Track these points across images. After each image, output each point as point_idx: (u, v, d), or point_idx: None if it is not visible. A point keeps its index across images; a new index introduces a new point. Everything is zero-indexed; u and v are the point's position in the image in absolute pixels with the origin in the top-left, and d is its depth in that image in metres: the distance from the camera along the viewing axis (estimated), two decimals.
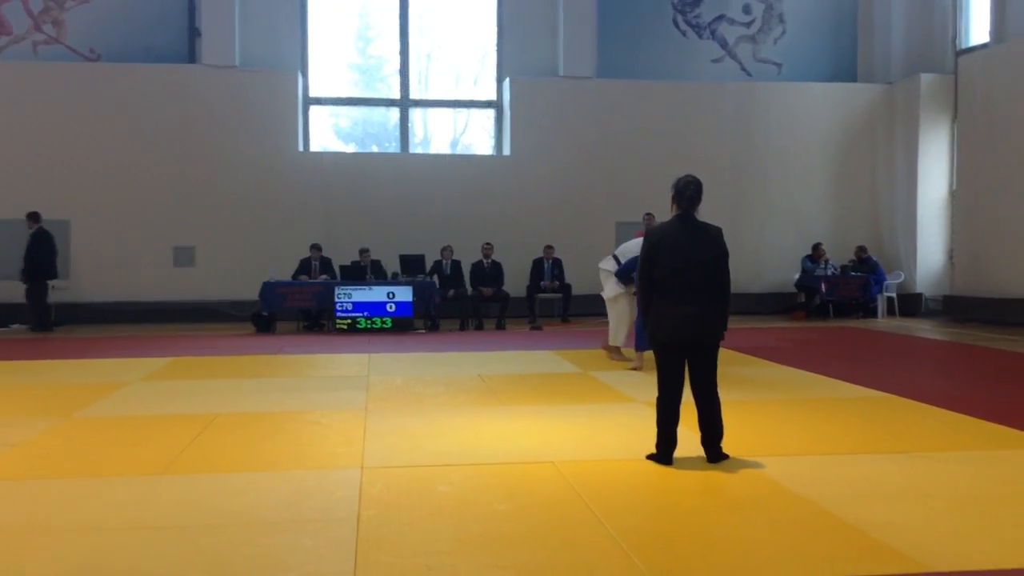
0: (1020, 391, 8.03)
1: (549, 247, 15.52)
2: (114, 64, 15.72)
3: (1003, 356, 10.60)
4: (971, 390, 8.15)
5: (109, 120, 15.61)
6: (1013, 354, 10.72)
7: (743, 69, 17.58)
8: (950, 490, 4.67)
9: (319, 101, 16.86)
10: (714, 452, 5.25)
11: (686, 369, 5.28)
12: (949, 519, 4.19)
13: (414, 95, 17.13)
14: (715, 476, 4.98)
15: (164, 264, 15.82)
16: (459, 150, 17.68)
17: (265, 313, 13.89)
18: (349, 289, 13.57)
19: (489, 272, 14.94)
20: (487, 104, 17.32)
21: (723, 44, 17.54)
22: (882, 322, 15.37)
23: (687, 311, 5.15)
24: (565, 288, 15.41)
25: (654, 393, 5.36)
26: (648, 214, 14.41)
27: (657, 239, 5.28)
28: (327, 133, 17.37)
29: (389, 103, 17.17)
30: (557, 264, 15.49)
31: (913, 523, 4.11)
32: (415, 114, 17.35)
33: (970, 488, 4.71)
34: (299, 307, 14.13)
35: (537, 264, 15.50)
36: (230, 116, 15.91)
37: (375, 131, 17.55)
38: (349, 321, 13.50)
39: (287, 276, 14.48)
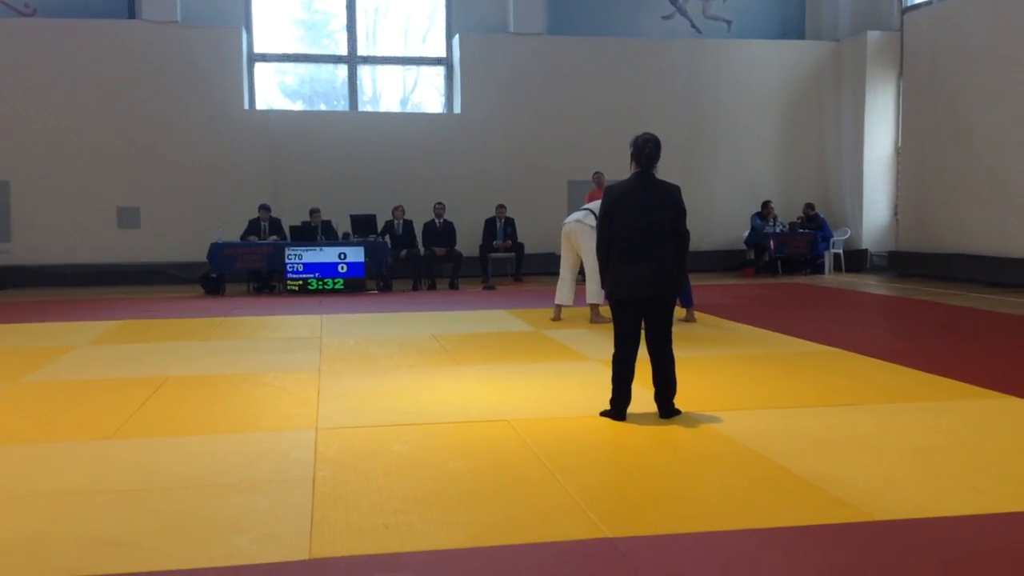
0: (960, 344, 8.26)
1: (501, 206, 15.48)
2: (51, 20, 15.20)
3: (944, 310, 10.87)
4: (914, 344, 8.36)
5: (47, 78, 15.12)
6: (954, 308, 11.00)
7: (693, 26, 17.58)
8: (895, 441, 4.80)
9: (264, 58, 16.51)
10: (667, 408, 5.32)
11: (642, 326, 5.33)
12: (895, 469, 4.30)
13: (362, 52, 16.85)
14: (668, 431, 5.06)
15: (108, 225, 15.47)
16: (409, 108, 17.47)
17: (214, 275, 13.68)
18: (300, 250, 13.42)
19: (441, 232, 14.87)
20: (437, 61, 17.11)
21: (673, 0, 17.50)
22: (829, 278, 15.65)
23: (645, 269, 5.18)
24: (518, 247, 15.42)
25: (607, 351, 5.41)
26: (597, 172, 14.48)
27: (616, 197, 5.29)
28: (273, 91, 17.03)
29: (337, 60, 16.87)
30: (509, 223, 15.46)
31: (860, 474, 4.22)
32: (364, 71, 17.07)
33: (914, 439, 4.84)
34: (248, 269, 13.94)
35: (489, 223, 15.46)
36: (172, 73, 15.52)
37: (323, 89, 17.25)
38: (300, 282, 13.38)
39: (235, 237, 14.25)
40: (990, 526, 3.55)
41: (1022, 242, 13.17)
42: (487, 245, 15.33)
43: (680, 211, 5.29)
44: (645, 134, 5.35)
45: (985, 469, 4.28)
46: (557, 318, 9.88)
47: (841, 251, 16.77)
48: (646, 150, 5.28)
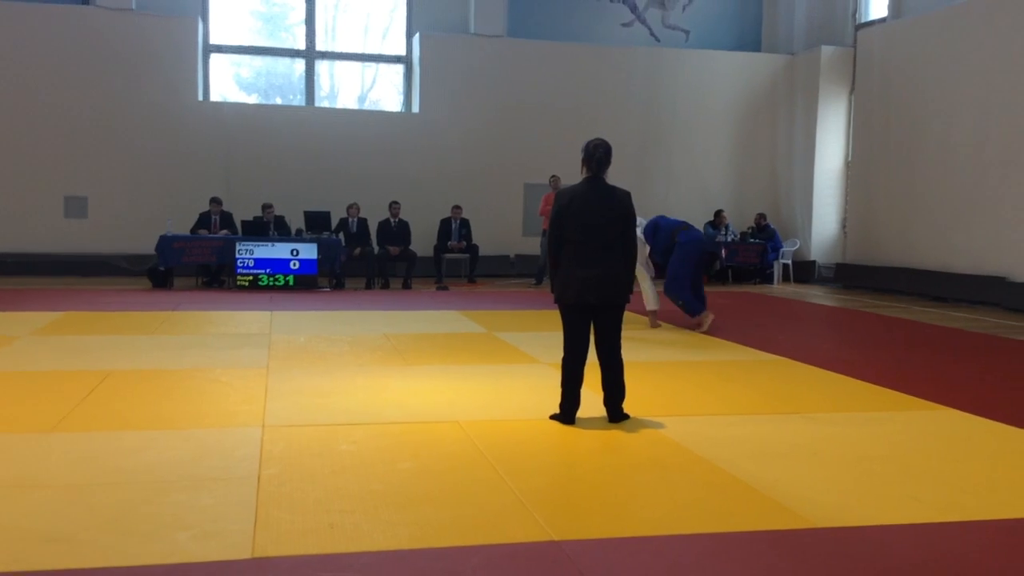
0: (902, 356, 8.44)
1: (457, 207, 15.46)
2: (3, 2, 14.83)
3: (888, 323, 11.10)
4: (858, 355, 8.51)
5: None
6: (897, 321, 11.23)
7: (652, 34, 17.74)
8: (836, 450, 4.88)
9: (220, 49, 16.30)
10: (616, 412, 5.36)
11: (591, 331, 5.36)
12: (835, 477, 4.38)
13: (320, 47, 16.72)
14: (616, 436, 5.09)
15: (54, 214, 15.15)
16: (367, 105, 17.37)
17: (162, 268, 13.46)
18: (251, 245, 13.26)
19: (396, 231, 14.81)
20: (396, 59, 17.04)
21: (633, 8, 17.65)
22: (777, 288, 15.88)
23: (593, 273, 5.21)
24: (472, 249, 15.41)
25: (558, 354, 5.43)
26: (554, 176, 14.54)
27: (567, 201, 5.31)
28: (228, 83, 16.82)
29: (294, 54, 16.72)
30: (465, 224, 15.45)
31: (802, 481, 4.29)
32: (321, 66, 16.94)
33: (855, 448, 4.94)
34: (198, 262, 13.73)
35: (445, 224, 15.43)
36: (126, 62, 15.25)
37: (279, 82, 17.08)
38: (251, 278, 13.22)
39: (185, 230, 14.05)
40: (925, 535, 3.63)
41: (966, 258, 13.50)
42: (442, 246, 15.30)
43: (629, 216, 5.33)
44: (596, 139, 5.38)
45: (922, 478, 4.38)
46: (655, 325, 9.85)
47: (790, 262, 17.04)
48: (597, 155, 5.31)
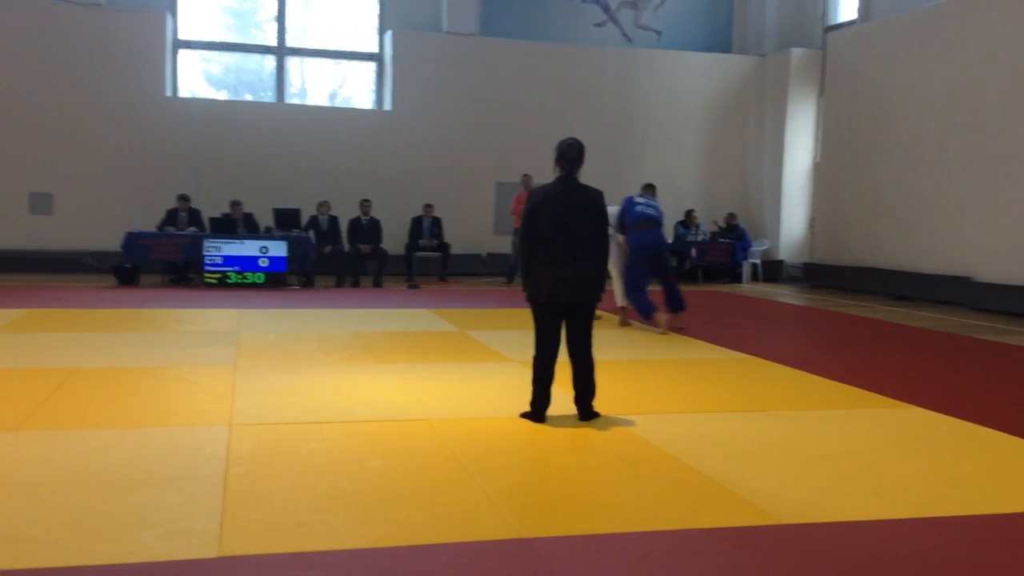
0: (868, 355, 8.53)
1: (428, 205, 15.42)
2: None
3: (854, 322, 11.22)
4: (824, 353, 8.60)
5: None
6: (863, 320, 11.36)
7: (624, 35, 17.80)
8: (803, 447, 4.93)
9: (189, 45, 16.14)
10: (586, 410, 5.37)
11: (562, 329, 5.37)
12: (801, 474, 4.43)
13: (291, 43, 16.60)
14: (586, 434, 5.11)
15: (19, 211, 14.92)
16: (338, 103, 17.28)
17: (128, 265, 13.31)
18: (219, 242, 13.14)
19: (367, 229, 14.74)
20: (368, 56, 16.97)
21: (605, 8, 17.70)
22: (746, 287, 16.00)
23: (565, 272, 5.22)
24: (444, 247, 15.37)
25: (529, 353, 5.44)
26: (526, 175, 14.53)
27: (539, 200, 5.31)
28: (198, 79, 16.66)
29: (265, 50, 16.60)
30: (436, 223, 15.41)
31: (769, 478, 4.33)
32: (292, 63, 16.83)
33: (820, 445, 4.99)
34: (165, 259, 13.59)
35: (416, 222, 15.38)
36: (94, 57, 15.05)
37: (249, 79, 16.94)
38: (219, 275, 13.10)
39: (152, 227, 13.90)
40: (889, 530, 3.67)
41: (931, 259, 13.68)
42: (413, 244, 15.25)
43: (602, 215, 5.34)
44: (569, 139, 5.39)
45: (886, 475, 4.43)
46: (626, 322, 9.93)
47: (759, 261, 17.17)
48: (569, 155, 5.32)
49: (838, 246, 15.83)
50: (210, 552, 3.24)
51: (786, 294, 14.88)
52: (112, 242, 13.87)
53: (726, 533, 3.59)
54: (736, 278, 16.80)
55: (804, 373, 7.17)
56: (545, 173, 5.62)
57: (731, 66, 18.03)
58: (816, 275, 16.27)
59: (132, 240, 13.18)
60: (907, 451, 4.94)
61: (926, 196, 13.87)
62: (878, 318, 11.51)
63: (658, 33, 17.98)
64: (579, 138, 5.47)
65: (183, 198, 14.13)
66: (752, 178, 18.16)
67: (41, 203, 15.02)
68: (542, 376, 5.32)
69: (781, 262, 17.35)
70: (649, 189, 10.39)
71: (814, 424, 5.48)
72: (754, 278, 17.01)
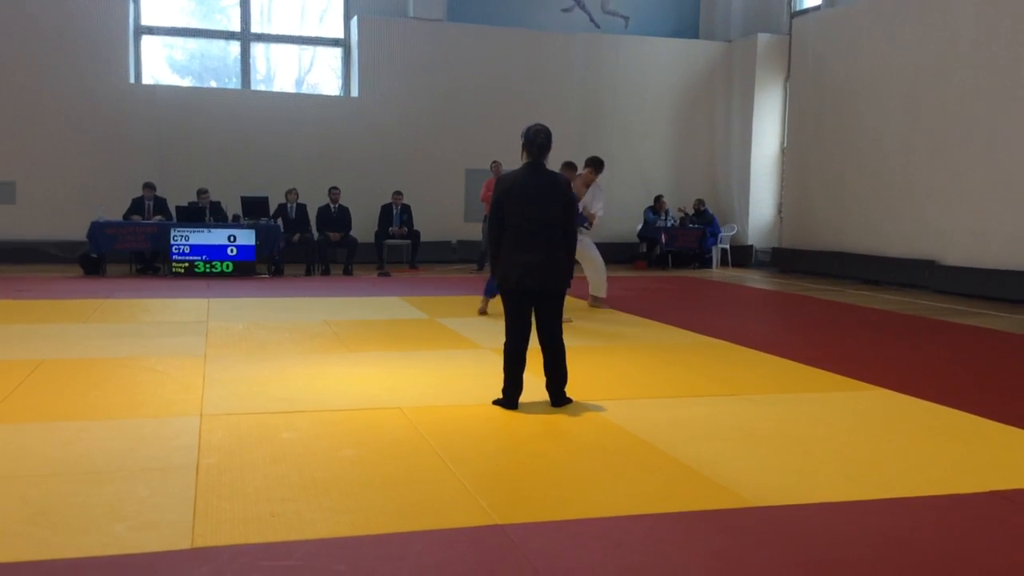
0: (836, 338, 8.63)
1: (398, 193, 15.35)
2: None
3: (822, 306, 11.34)
4: (794, 337, 8.69)
5: None
6: (831, 304, 11.48)
7: (592, 20, 17.79)
8: (773, 430, 4.98)
9: (152, 31, 15.89)
10: (558, 397, 5.38)
11: (532, 316, 5.37)
12: (772, 457, 4.47)
13: (256, 29, 16.41)
14: (558, 420, 5.12)
15: None
16: (304, 89, 17.12)
17: (94, 255, 13.13)
18: (186, 231, 13.00)
19: (336, 216, 14.65)
20: (334, 42, 16.82)
21: None
22: (716, 272, 16.11)
23: (533, 259, 5.22)
24: (414, 234, 15.32)
25: (501, 340, 5.44)
26: (495, 162, 14.50)
27: (507, 187, 5.30)
28: (161, 65, 16.43)
29: (229, 36, 16.39)
30: (406, 210, 15.35)
31: (740, 462, 4.36)
32: (257, 49, 16.64)
33: (791, 428, 5.04)
34: (132, 249, 13.42)
35: (386, 210, 15.31)
36: (54, 42, 14.78)
37: (214, 65, 16.73)
38: (186, 264, 12.97)
39: (117, 216, 13.71)
40: (859, 512, 3.72)
41: (897, 243, 13.84)
42: (383, 231, 15.19)
43: (569, 202, 5.35)
44: (536, 125, 5.37)
45: (856, 457, 4.49)
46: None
47: (728, 247, 17.29)
48: (537, 141, 5.31)
49: (806, 231, 15.97)
50: (183, 543, 3.21)
51: (755, 279, 15.00)
52: (77, 231, 13.68)
53: (700, 517, 3.62)
54: (706, 263, 16.92)
55: (774, 357, 7.23)
56: (514, 160, 5.60)
57: (698, 51, 18.08)
58: (785, 260, 16.42)
59: (97, 229, 13.00)
60: (877, 433, 5.01)
61: (891, 181, 14.03)
62: (846, 302, 11.64)
63: (625, 19, 17.99)
64: (547, 124, 5.47)
65: (148, 186, 13.95)
66: (720, 163, 18.25)
67: (3, 192, 14.76)
68: (513, 363, 5.33)
69: (750, 247, 17.48)
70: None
71: (785, 407, 5.54)
72: (723, 263, 17.13)
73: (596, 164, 9.93)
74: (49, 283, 11.84)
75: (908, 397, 5.85)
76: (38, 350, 6.89)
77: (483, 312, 9.26)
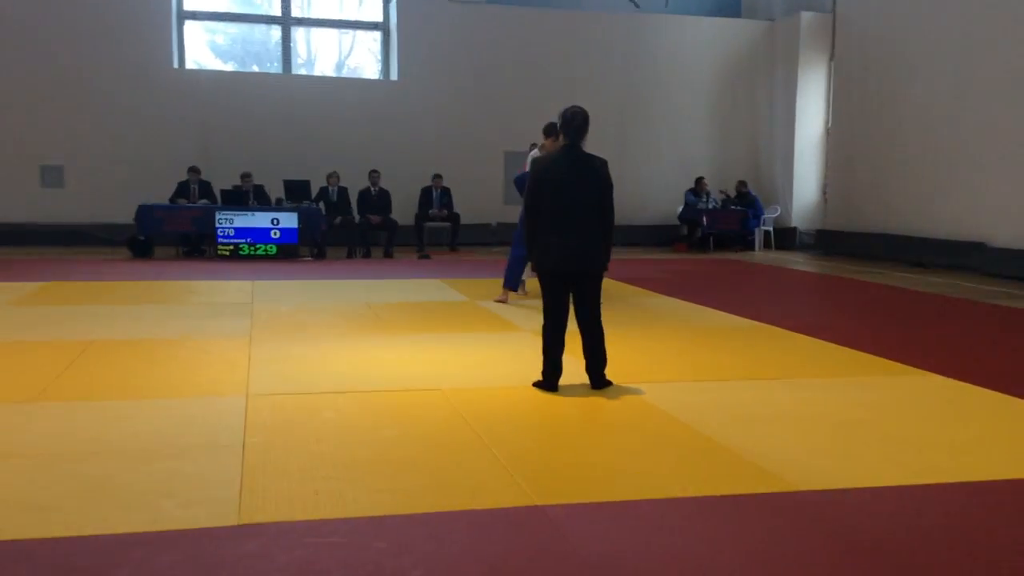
0: (882, 322, 8.51)
1: (438, 176, 15.39)
2: None
3: (868, 289, 11.18)
4: (838, 320, 8.58)
5: None
6: (877, 286, 11.32)
7: (632, 0, 17.61)
8: (817, 414, 4.94)
9: (195, 16, 16.05)
10: (598, 379, 5.38)
11: (570, 298, 5.37)
12: (816, 442, 4.43)
13: (296, 13, 16.50)
14: (598, 402, 5.12)
15: (30, 184, 14.96)
16: (345, 73, 17.21)
17: (141, 237, 13.36)
18: (231, 214, 13.16)
19: (376, 200, 14.73)
20: (374, 26, 16.85)
21: None
22: (759, 255, 15.95)
23: (571, 242, 5.20)
24: (453, 217, 15.36)
25: (539, 322, 5.44)
26: (534, 144, 14.42)
27: (543, 169, 5.29)
28: (204, 50, 16.60)
29: (270, 20, 16.50)
30: (446, 193, 15.39)
31: (783, 446, 4.33)
32: (298, 33, 16.74)
33: (836, 412, 4.99)
34: (178, 232, 13.64)
35: (425, 192, 15.37)
36: (99, 28, 15.00)
37: (256, 50, 16.86)
38: (231, 247, 13.14)
39: (163, 199, 13.92)
40: (906, 497, 3.68)
41: (945, 224, 13.59)
42: (423, 214, 15.25)
43: (607, 185, 5.31)
44: (574, 107, 5.32)
45: (903, 442, 4.44)
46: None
47: (771, 228, 17.10)
48: (575, 123, 5.27)
49: (851, 212, 15.74)
50: (230, 520, 3.27)
51: (799, 261, 14.83)
52: (123, 214, 13.91)
53: (741, 500, 3.60)
54: (748, 246, 16.75)
55: (818, 340, 7.16)
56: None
57: (740, 30, 17.84)
58: (829, 242, 16.20)
59: (145, 212, 13.23)
60: (923, 417, 4.94)
61: (939, 160, 13.76)
62: (892, 284, 11.47)
63: None
64: (586, 105, 5.43)
65: (193, 170, 14.14)
66: (763, 144, 18.03)
67: (52, 176, 15.05)
68: (552, 345, 5.33)
69: (794, 229, 17.27)
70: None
71: (829, 391, 5.48)
72: (766, 246, 16.95)
73: (548, 131, 8.44)
74: (98, 265, 12.07)
75: (956, 382, 5.76)
76: (88, 331, 7.04)
77: (502, 301, 9.01)
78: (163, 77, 15.37)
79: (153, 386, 5.33)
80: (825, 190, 17.12)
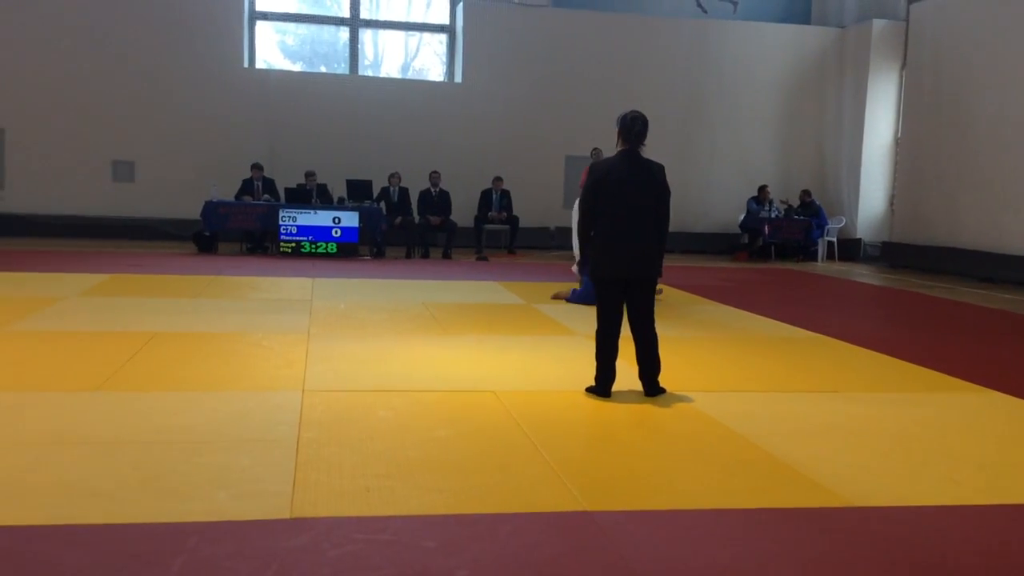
0: (946, 337, 8.30)
1: (498, 178, 15.43)
2: None
3: (933, 303, 10.92)
4: (900, 334, 8.39)
5: (48, 27, 14.98)
6: (943, 301, 11.04)
7: (699, 5, 17.48)
8: (875, 429, 4.83)
9: (265, 16, 16.36)
10: (651, 386, 5.34)
11: (624, 304, 5.34)
12: (873, 457, 4.34)
13: (365, 15, 16.71)
14: (651, 409, 5.09)
15: (103, 178, 15.40)
16: (410, 75, 17.37)
17: (207, 233, 13.65)
18: (294, 212, 13.38)
19: (437, 201, 14.83)
20: (440, 28, 16.98)
21: None
22: (821, 266, 15.68)
23: (628, 248, 5.18)
24: (513, 220, 15.39)
25: (595, 326, 5.42)
26: (596, 149, 14.38)
27: (602, 174, 5.27)
28: (273, 50, 16.91)
29: (339, 22, 16.74)
30: (505, 195, 15.43)
31: (838, 460, 4.25)
32: (365, 35, 16.95)
33: (894, 428, 4.88)
34: (242, 228, 13.91)
35: (485, 195, 15.42)
36: (173, 28, 15.38)
37: (324, 50, 17.12)
38: (293, 244, 13.35)
39: (229, 195, 14.20)
40: (964, 516, 3.59)
41: (1016, 239, 13.21)
42: (482, 216, 15.30)
43: (664, 191, 5.27)
44: (633, 112, 5.29)
45: (962, 461, 4.32)
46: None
47: (835, 239, 16.79)
48: (635, 128, 5.24)
49: (919, 225, 15.38)
50: (283, 513, 3.32)
51: (863, 273, 14.54)
52: (191, 210, 14.22)
53: (793, 514, 3.54)
54: (811, 256, 16.48)
55: (878, 354, 7.01)
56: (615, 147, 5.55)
57: (809, 38, 17.57)
58: (895, 254, 15.85)
59: (211, 208, 13.52)
60: (984, 436, 4.81)
61: (1012, 174, 13.37)
62: (959, 300, 11.18)
63: (734, 4, 17.60)
64: (650, 111, 5.40)
65: (256, 167, 14.39)
66: (829, 154, 17.72)
67: (123, 171, 15.46)
68: (606, 351, 5.31)
69: (859, 240, 16.94)
70: None
71: (887, 406, 5.36)
72: (830, 257, 16.65)
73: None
74: (164, 259, 12.36)
75: (1019, 400, 5.59)
76: (152, 323, 7.21)
77: (558, 298, 9.27)
78: (233, 76, 15.70)
79: (211, 379, 5.43)
80: (892, 201, 16.76)
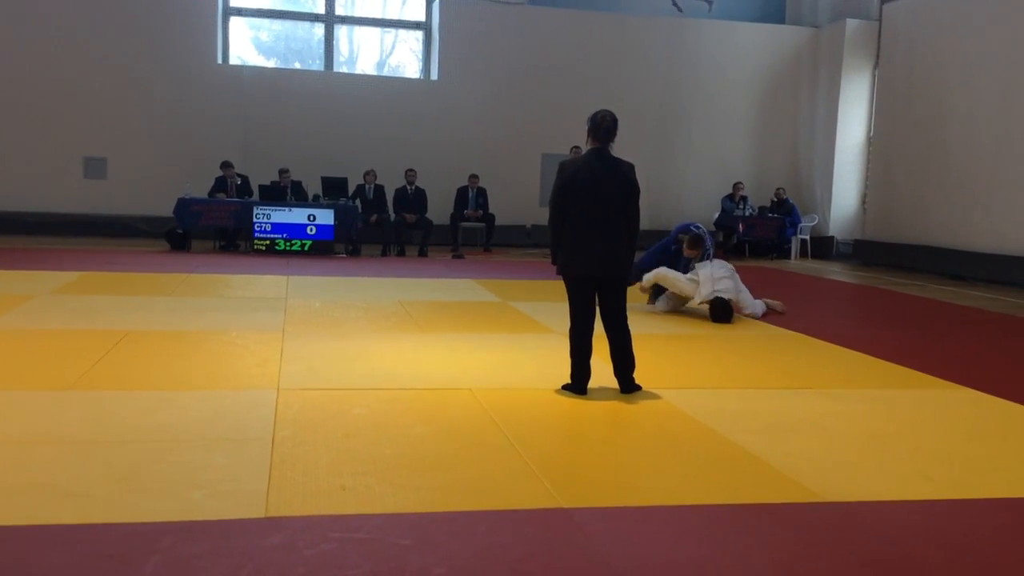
0: (917, 334, 8.40)
1: (474, 176, 15.42)
2: None
3: (904, 300, 11.04)
4: (872, 331, 8.48)
5: (13, 20, 14.79)
6: (914, 298, 11.17)
7: (674, 4, 17.50)
8: (847, 425, 4.88)
9: (240, 12, 16.24)
10: (626, 383, 5.36)
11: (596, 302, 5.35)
12: (845, 453, 4.39)
13: (340, 11, 16.64)
14: (625, 406, 5.11)
15: (74, 175, 15.23)
16: (386, 72, 17.31)
17: (180, 230, 13.54)
18: (268, 209, 13.30)
19: (412, 198, 14.80)
20: (415, 25, 16.94)
21: None
22: (794, 263, 15.81)
23: (598, 246, 5.19)
24: (489, 218, 15.39)
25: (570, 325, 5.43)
26: (575, 147, 14.43)
27: (572, 173, 5.27)
28: (247, 46, 16.78)
29: (314, 18, 16.65)
30: (481, 193, 15.42)
31: (811, 456, 4.29)
32: (341, 31, 16.87)
33: (866, 424, 4.93)
34: (216, 226, 13.80)
35: (461, 192, 15.41)
36: (146, 23, 15.24)
37: (298, 47, 17.03)
38: (267, 242, 13.27)
39: (202, 193, 14.09)
40: (935, 512, 3.64)
41: (985, 237, 13.38)
42: (458, 214, 15.29)
43: (633, 189, 5.29)
44: (603, 111, 5.31)
45: (933, 456, 4.38)
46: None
47: (808, 237, 16.93)
48: (605, 126, 5.25)
49: (891, 223, 15.54)
50: (257, 512, 3.31)
51: (835, 271, 14.67)
52: (164, 207, 14.10)
53: (767, 510, 3.57)
54: (784, 254, 16.60)
55: (851, 351, 7.08)
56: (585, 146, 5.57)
57: (784, 37, 17.70)
58: (867, 252, 16.00)
59: (184, 206, 13.40)
60: (956, 432, 4.87)
61: (983, 172, 13.55)
62: (930, 297, 11.31)
63: (709, 3, 17.66)
64: (626, 110, 5.42)
65: (227, 165, 14.29)
66: (803, 152, 17.86)
67: (95, 168, 15.30)
68: (579, 349, 5.32)
69: (831, 238, 17.09)
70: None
71: (860, 403, 5.42)
72: (803, 254, 16.79)
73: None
74: (137, 256, 12.25)
75: (991, 396, 5.67)
76: (125, 321, 7.14)
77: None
78: (207, 72, 15.57)
79: (185, 378, 5.40)
80: (865, 200, 16.92)
